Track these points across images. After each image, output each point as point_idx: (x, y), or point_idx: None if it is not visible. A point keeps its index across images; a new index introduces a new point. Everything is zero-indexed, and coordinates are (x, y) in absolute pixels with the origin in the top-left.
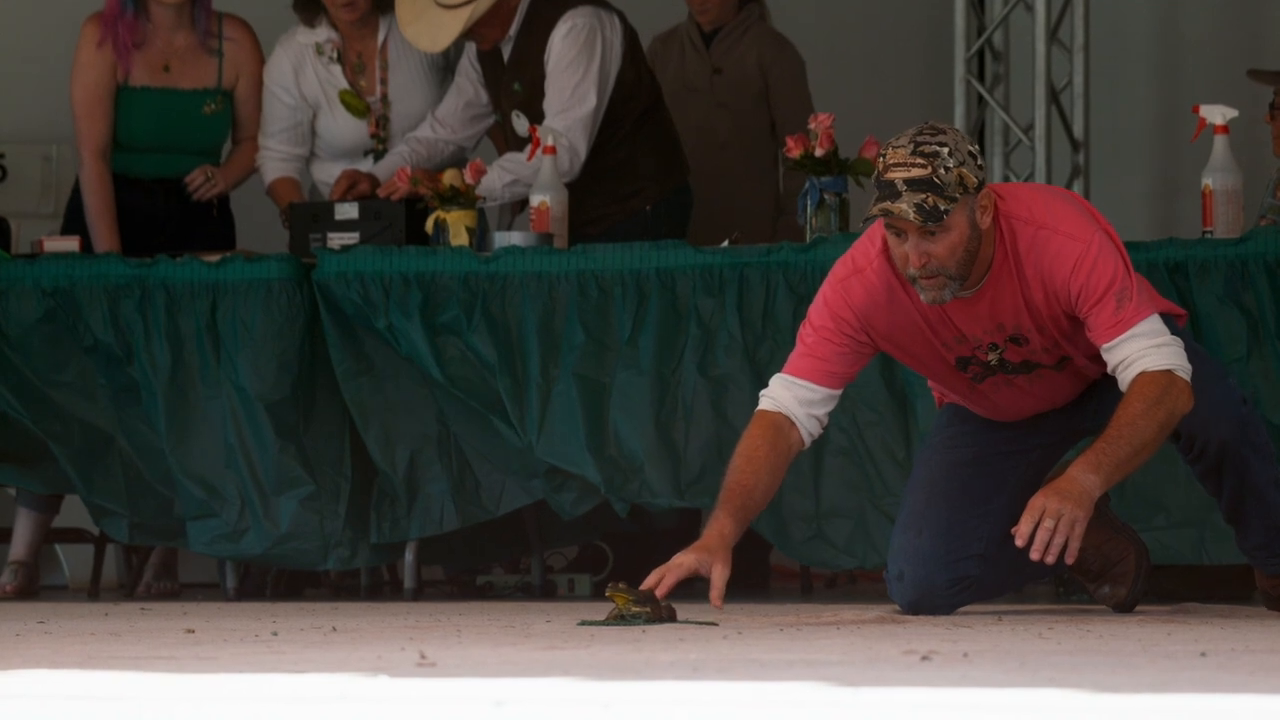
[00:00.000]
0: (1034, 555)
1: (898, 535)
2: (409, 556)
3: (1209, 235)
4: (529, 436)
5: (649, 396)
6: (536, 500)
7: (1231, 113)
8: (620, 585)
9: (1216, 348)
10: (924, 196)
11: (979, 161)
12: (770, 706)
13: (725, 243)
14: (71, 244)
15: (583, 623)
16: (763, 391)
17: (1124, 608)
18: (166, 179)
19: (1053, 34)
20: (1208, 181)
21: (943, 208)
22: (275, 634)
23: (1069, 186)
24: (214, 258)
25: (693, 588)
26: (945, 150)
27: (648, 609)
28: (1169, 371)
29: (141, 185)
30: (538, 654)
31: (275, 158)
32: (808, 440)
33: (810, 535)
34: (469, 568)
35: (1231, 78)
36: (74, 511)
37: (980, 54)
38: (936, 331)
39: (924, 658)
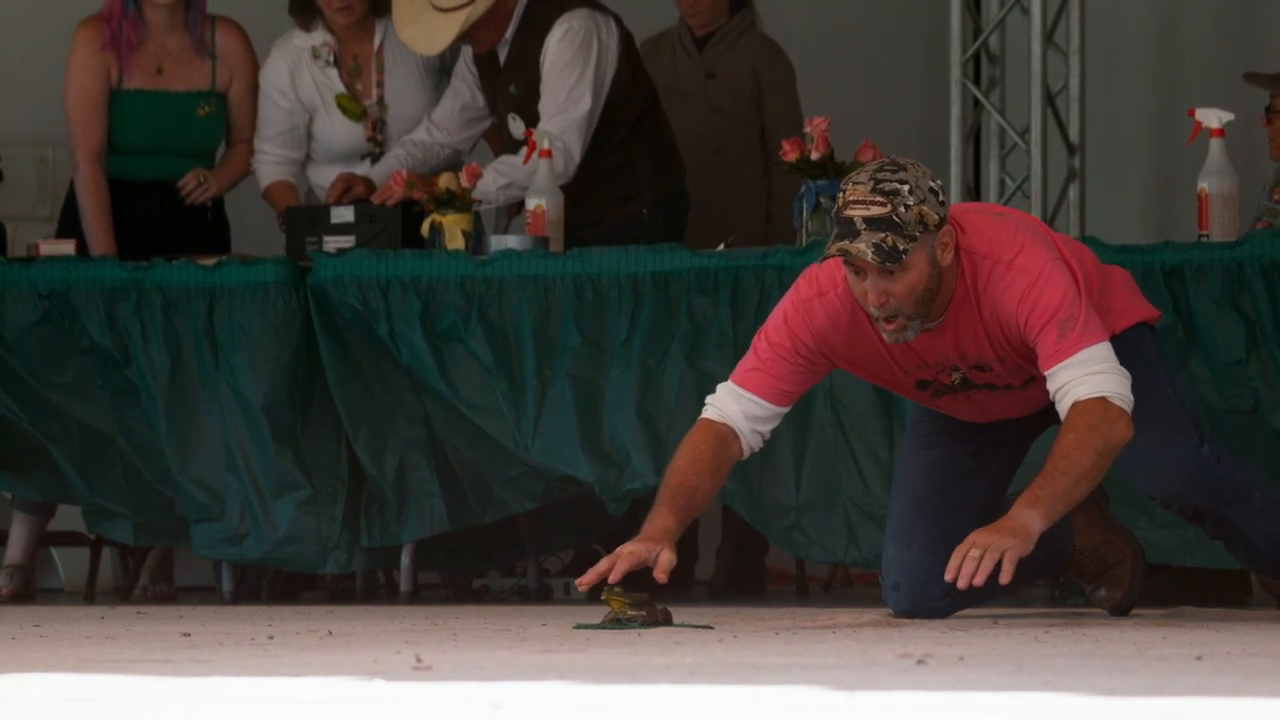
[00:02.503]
0: (953, 580)
1: (888, 545)
2: (405, 560)
3: (1205, 239)
4: (525, 439)
5: (634, 386)
6: (523, 510)
7: (1227, 116)
8: (615, 588)
9: (1214, 351)
10: (883, 236)
11: (941, 198)
12: (766, 710)
13: (721, 246)
14: (67, 247)
15: (579, 626)
16: (709, 398)
17: (1120, 610)
18: (161, 182)
19: (1049, 37)
20: (1204, 185)
21: (902, 247)
22: (271, 637)
23: (1064, 190)
24: (210, 261)
25: (687, 591)
26: (905, 188)
27: (643, 612)
28: (1102, 399)
29: (136, 188)
30: (534, 657)
31: (271, 161)
32: (747, 453)
33: (788, 525)
34: (465, 571)
35: (1228, 81)
36: (70, 515)
37: (976, 57)
38: (897, 358)
39: (920, 661)
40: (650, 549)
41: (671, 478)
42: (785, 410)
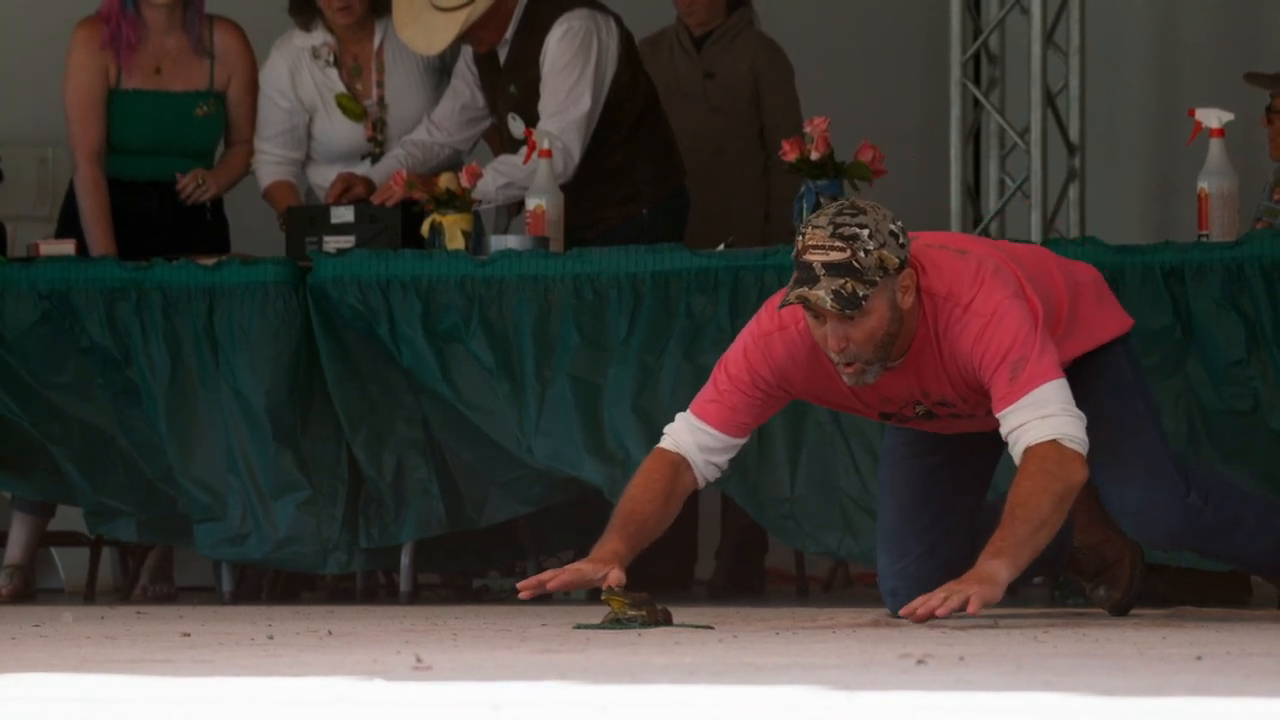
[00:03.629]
0: (908, 614)
1: (881, 555)
2: (405, 560)
3: (1205, 239)
4: (527, 440)
5: (631, 383)
6: (520, 515)
7: (1227, 116)
8: (615, 589)
9: (1214, 351)
10: (842, 282)
11: (901, 240)
12: (766, 710)
13: (721, 246)
14: (67, 247)
15: (578, 626)
16: (667, 427)
17: (1119, 610)
18: (160, 182)
19: (1049, 37)
20: (1204, 185)
21: (861, 293)
22: (271, 637)
23: (1064, 190)
24: (210, 261)
25: (688, 590)
26: (865, 232)
27: (643, 612)
28: (1054, 442)
29: (134, 188)
30: (534, 657)
31: (271, 161)
32: (701, 484)
33: (783, 515)
34: (465, 572)
35: (1228, 81)
36: (70, 515)
37: (976, 57)
38: (859, 394)
39: (920, 661)
40: (598, 569)
41: (623, 506)
42: (742, 441)
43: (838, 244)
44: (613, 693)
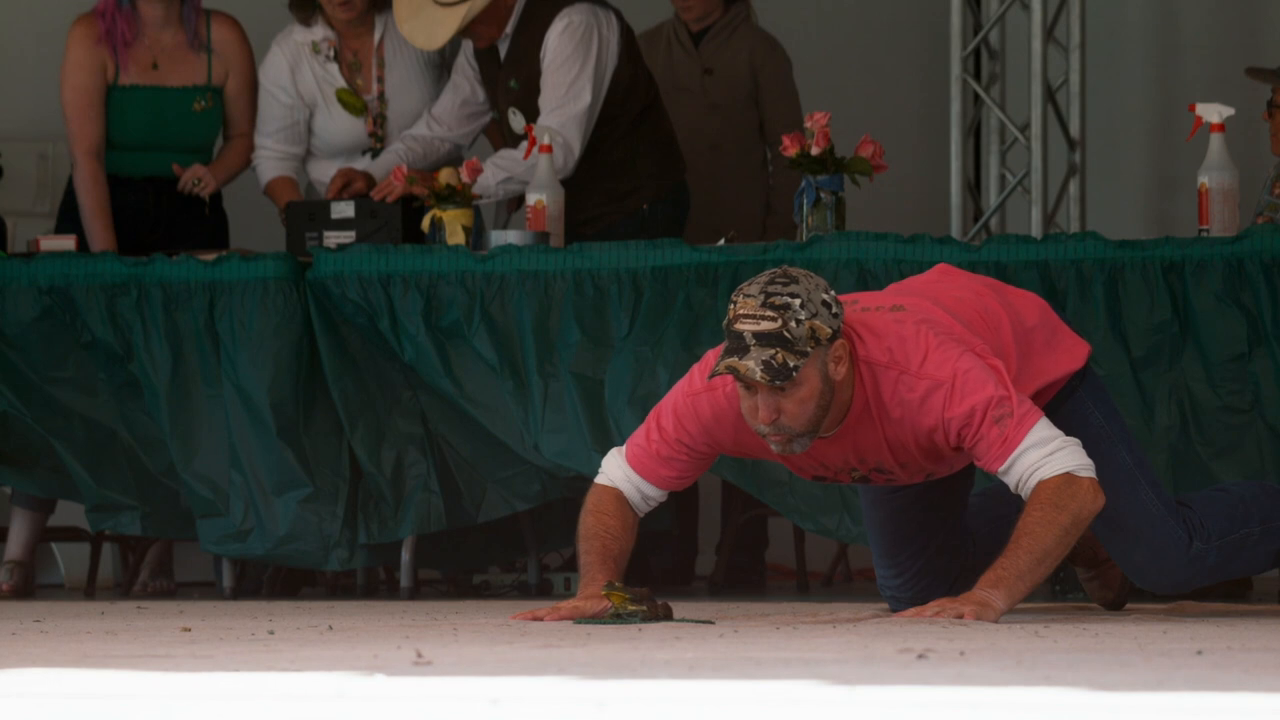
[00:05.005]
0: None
1: (879, 567)
2: (405, 556)
3: (1205, 234)
4: (534, 438)
5: (629, 375)
6: (518, 512)
7: (1228, 111)
8: (616, 584)
9: (1213, 347)
10: (773, 353)
11: (834, 310)
12: (766, 705)
13: (721, 241)
14: (68, 243)
15: (579, 621)
16: (604, 465)
17: (1113, 607)
18: (157, 177)
19: (1049, 32)
20: (1204, 180)
21: (792, 364)
22: (272, 633)
23: (1065, 186)
24: (210, 256)
25: (689, 585)
26: (797, 302)
27: (644, 607)
28: (1067, 475)
29: (132, 184)
30: (534, 652)
31: (272, 157)
32: (644, 514)
33: (783, 492)
34: (465, 567)
35: (1229, 75)
36: (70, 510)
37: (976, 52)
38: (791, 457)
39: (920, 656)
40: (594, 605)
41: (595, 543)
42: (667, 493)
43: (769, 314)
44: (613, 688)
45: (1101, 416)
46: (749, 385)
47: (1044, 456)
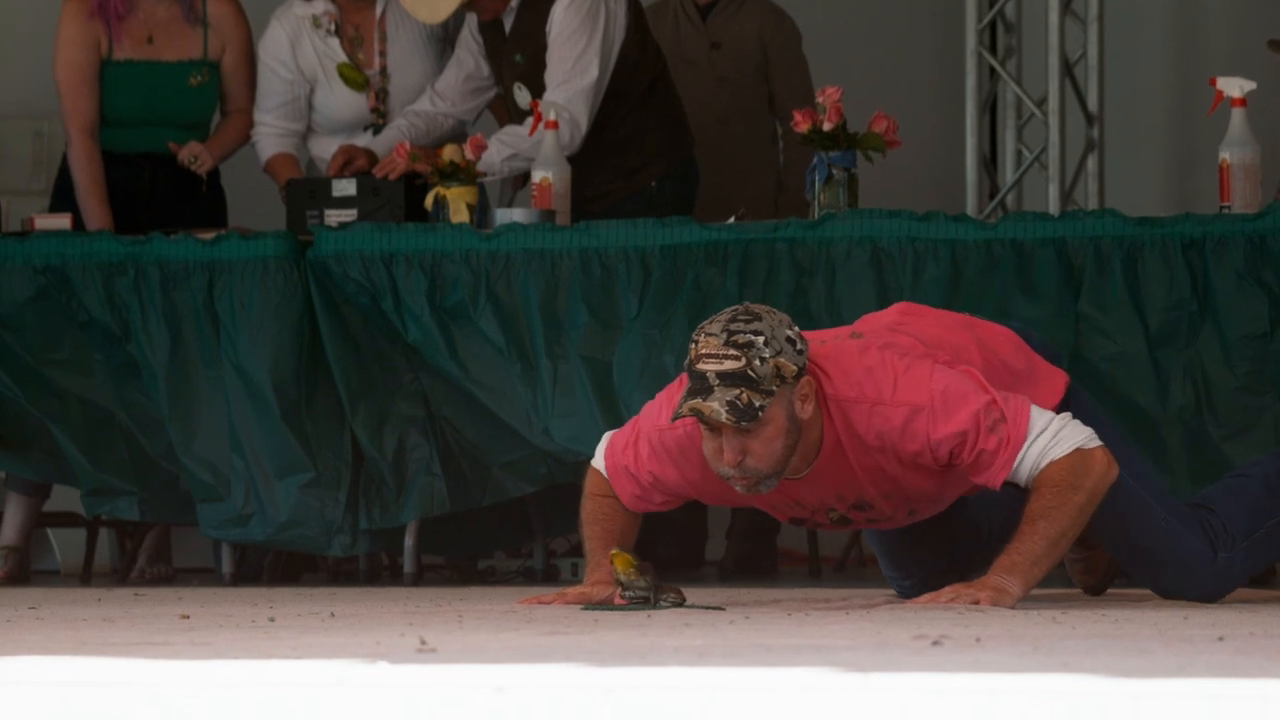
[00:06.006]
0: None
1: (885, 568)
2: (409, 541)
3: (1227, 210)
4: (543, 422)
5: (637, 358)
6: (521, 495)
7: (1249, 85)
8: (623, 549)
9: (1234, 326)
10: (738, 392)
11: (799, 346)
12: (778, 692)
13: (731, 219)
14: (63, 221)
15: (586, 608)
16: (598, 450)
17: (1093, 592)
18: (153, 154)
19: (1066, 5)
20: (1225, 155)
21: (758, 404)
22: (272, 619)
23: (1083, 161)
24: (209, 235)
25: (699, 571)
26: (760, 339)
27: (647, 579)
28: (1077, 451)
29: (128, 161)
30: (540, 639)
31: (272, 133)
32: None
33: None
34: (470, 553)
35: (1251, 49)
36: (66, 495)
37: (992, 25)
38: (761, 499)
39: (935, 642)
40: (600, 591)
41: (596, 528)
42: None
43: (732, 352)
44: (621, 675)
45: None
46: (713, 427)
47: (1050, 440)
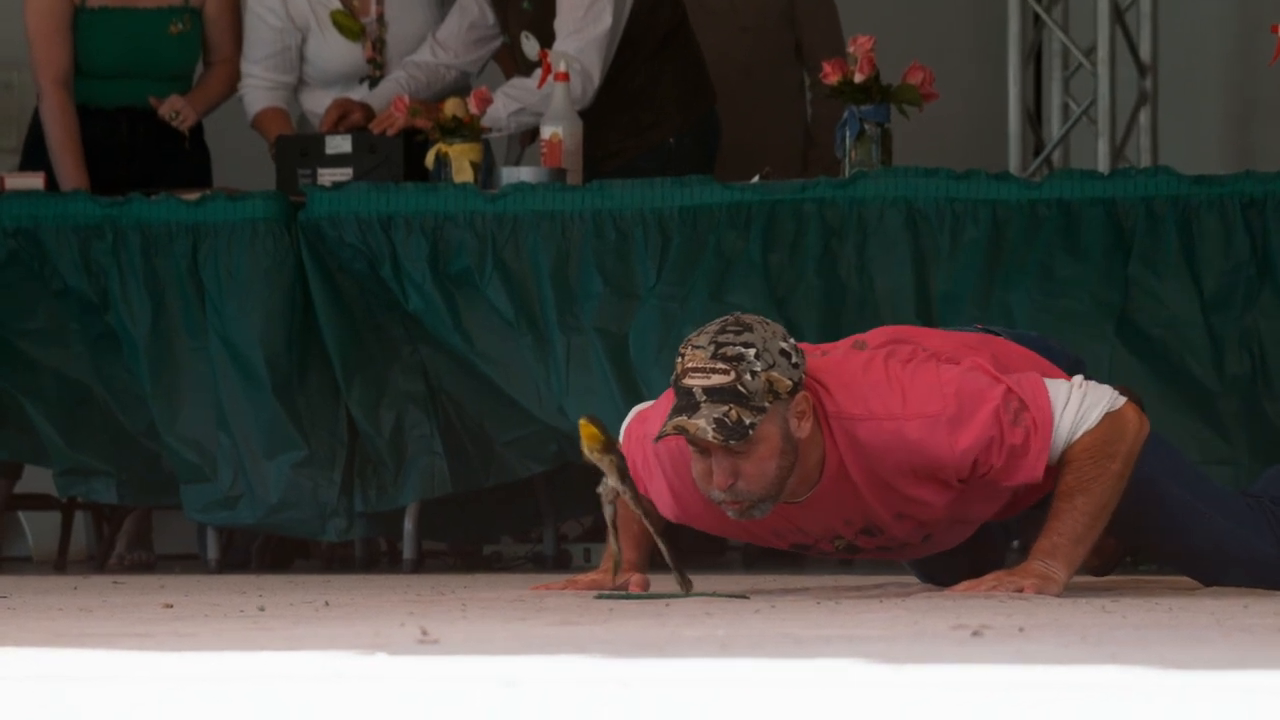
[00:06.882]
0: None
1: (911, 570)
2: (409, 525)
3: None
4: (557, 399)
5: (654, 332)
6: (533, 474)
7: None
8: (595, 418)
9: None
10: (726, 409)
11: (794, 359)
12: (806, 686)
13: (755, 178)
14: (36, 181)
15: (600, 595)
16: (624, 427)
17: (1099, 573)
18: (132, 108)
19: None
20: None
21: (748, 421)
22: (262, 609)
23: (1134, 116)
24: (192, 196)
25: (723, 557)
26: (751, 352)
27: (615, 457)
28: (1107, 416)
29: (104, 115)
30: (551, 630)
31: (261, 86)
32: None
33: None
34: (474, 538)
35: None
36: (39, 476)
37: None
38: (764, 525)
39: (975, 633)
40: (616, 578)
41: (622, 509)
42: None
43: (720, 366)
44: (638, 667)
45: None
46: (701, 447)
47: (1077, 413)
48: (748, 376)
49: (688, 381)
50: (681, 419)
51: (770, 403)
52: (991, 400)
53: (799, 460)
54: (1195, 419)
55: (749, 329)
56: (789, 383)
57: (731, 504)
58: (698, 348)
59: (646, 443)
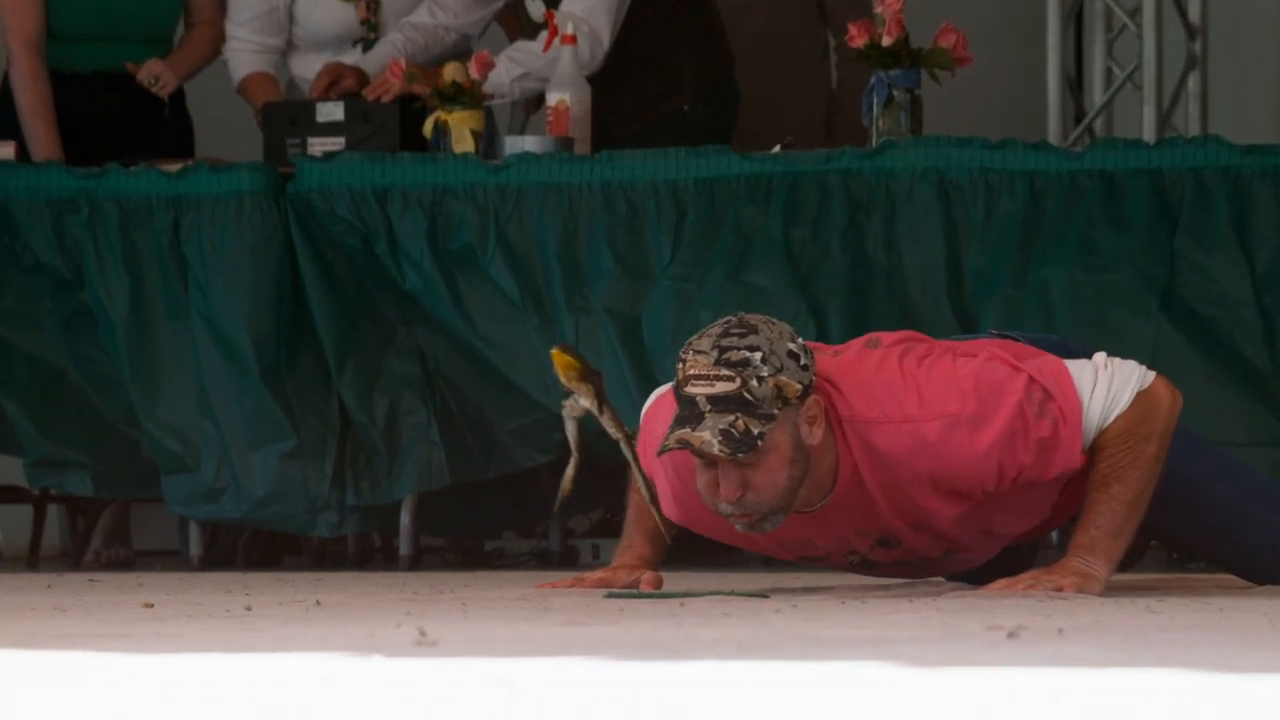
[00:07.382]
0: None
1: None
2: (405, 520)
3: None
4: None
5: (669, 316)
6: (537, 465)
7: None
8: (567, 345)
9: None
10: (732, 418)
11: (803, 361)
12: (829, 690)
13: (776, 148)
14: (6, 150)
15: (610, 594)
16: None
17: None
18: (108, 73)
19: None
20: None
21: (756, 431)
22: (249, 609)
23: (1182, 81)
24: (174, 166)
25: (738, 555)
26: (758, 356)
27: (594, 383)
28: (1138, 396)
29: (78, 80)
30: (556, 630)
31: (246, 50)
32: None
33: None
34: (475, 533)
35: None
36: (8, 466)
37: None
38: (770, 537)
39: (1010, 634)
40: (627, 575)
41: (635, 494)
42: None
43: (725, 372)
44: (649, 670)
45: (1179, 465)
46: (707, 460)
47: (1106, 396)
48: (754, 382)
49: (690, 390)
50: (685, 431)
51: (779, 409)
52: (1014, 394)
53: (811, 468)
54: (1245, 399)
55: (754, 331)
56: (799, 387)
57: (740, 517)
58: (700, 353)
59: (653, 440)
